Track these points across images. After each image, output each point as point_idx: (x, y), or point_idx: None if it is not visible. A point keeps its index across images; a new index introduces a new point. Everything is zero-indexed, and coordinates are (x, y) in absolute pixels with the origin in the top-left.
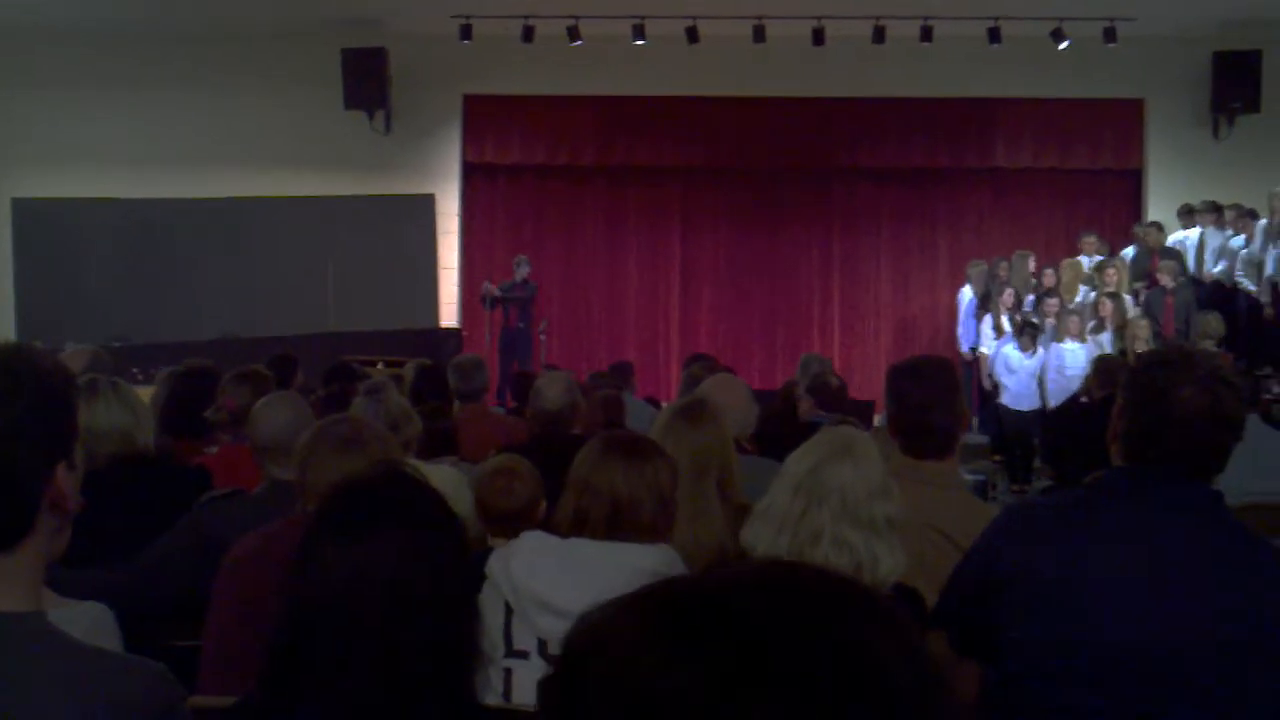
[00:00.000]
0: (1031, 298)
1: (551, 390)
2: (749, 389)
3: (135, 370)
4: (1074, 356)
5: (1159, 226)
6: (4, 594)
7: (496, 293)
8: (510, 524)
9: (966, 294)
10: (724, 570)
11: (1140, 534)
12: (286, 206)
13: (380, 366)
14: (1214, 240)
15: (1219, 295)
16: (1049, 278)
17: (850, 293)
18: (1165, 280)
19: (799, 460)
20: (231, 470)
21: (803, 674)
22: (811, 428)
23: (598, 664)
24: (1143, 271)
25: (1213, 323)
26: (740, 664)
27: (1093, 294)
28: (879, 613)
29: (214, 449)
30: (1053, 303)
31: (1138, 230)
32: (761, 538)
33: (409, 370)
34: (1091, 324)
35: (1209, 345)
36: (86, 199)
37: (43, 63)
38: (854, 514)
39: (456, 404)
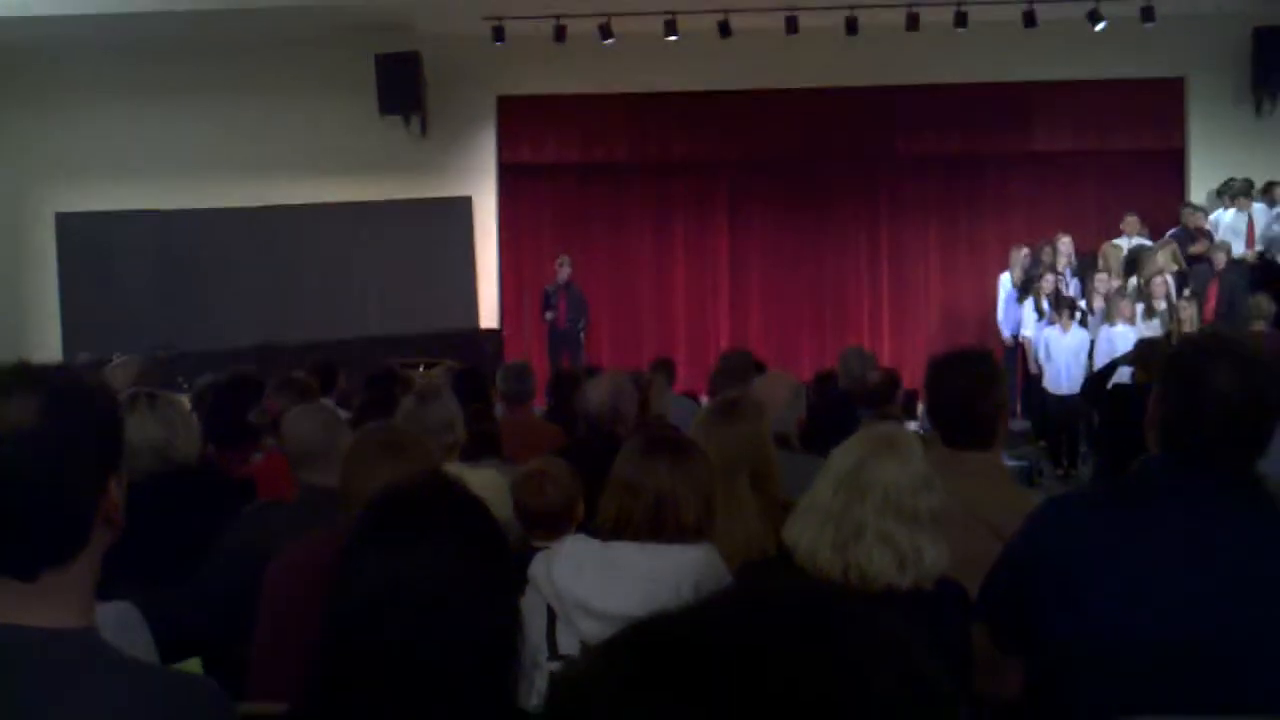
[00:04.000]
0: (1076, 281)
1: (595, 393)
2: (795, 385)
3: (181, 379)
4: (1125, 340)
5: (1201, 208)
6: (57, 610)
7: (549, 316)
8: (547, 524)
9: (1006, 280)
10: (705, 606)
11: (1180, 524)
12: (325, 213)
13: (422, 370)
14: (1262, 217)
15: (1269, 273)
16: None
17: (897, 281)
18: (1218, 259)
19: (841, 456)
20: (277, 477)
21: (792, 715)
22: (854, 422)
23: (581, 713)
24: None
25: (1263, 303)
26: (726, 710)
27: (1134, 278)
28: (870, 634)
29: (259, 456)
30: (1101, 277)
31: (1183, 211)
32: (804, 534)
33: (438, 374)
34: (1141, 307)
35: (1260, 326)
36: (128, 211)
37: (81, 79)
38: (897, 508)
39: (500, 406)
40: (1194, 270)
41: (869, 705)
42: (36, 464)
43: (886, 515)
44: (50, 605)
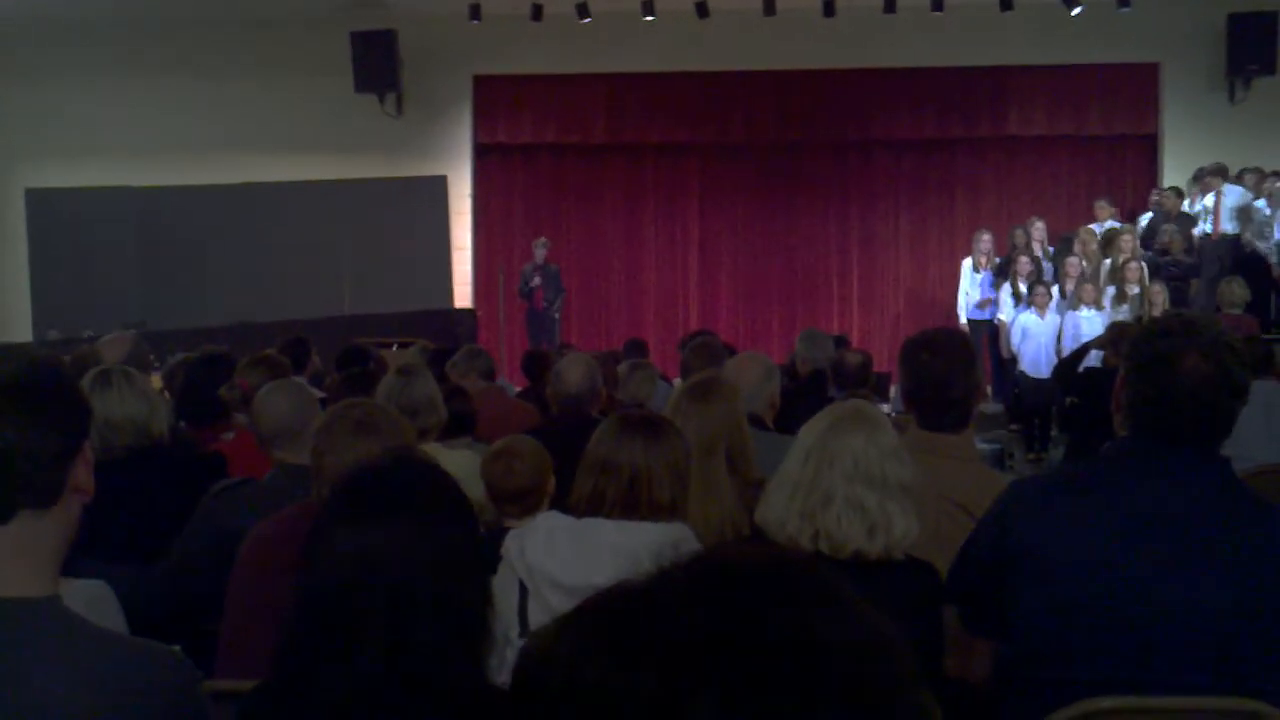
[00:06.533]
0: (1049, 264)
1: (572, 373)
2: (768, 365)
3: (152, 357)
4: (1090, 324)
5: (1178, 192)
6: (24, 577)
7: (536, 282)
8: (517, 503)
9: (968, 264)
10: (661, 575)
11: (1148, 505)
12: (300, 191)
13: (395, 349)
14: (1231, 197)
15: (1238, 256)
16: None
17: (867, 264)
18: (1174, 242)
19: (809, 429)
20: (248, 455)
21: (737, 672)
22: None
23: (546, 680)
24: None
25: (1236, 290)
26: (676, 668)
27: (1106, 261)
28: (818, 596)
29: (230, 435)
30: (1073, 261)
31: (1155, 196)
32: (775, 506)
33: (412, 353)
34: (1112, 291)
35: (1235, 313)
36: (99, 188)
37: (53, 54)
38: (866, 475)
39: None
40: (1158, 257)
41: (816, 662)
42: (16, 406)
43: (856, 481)
44: (17, 571)
